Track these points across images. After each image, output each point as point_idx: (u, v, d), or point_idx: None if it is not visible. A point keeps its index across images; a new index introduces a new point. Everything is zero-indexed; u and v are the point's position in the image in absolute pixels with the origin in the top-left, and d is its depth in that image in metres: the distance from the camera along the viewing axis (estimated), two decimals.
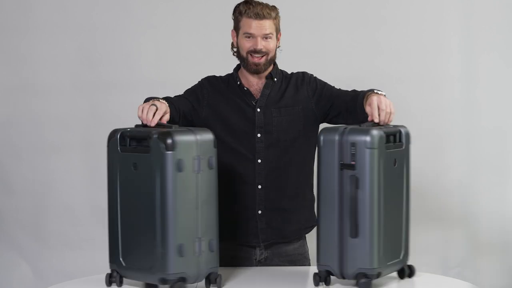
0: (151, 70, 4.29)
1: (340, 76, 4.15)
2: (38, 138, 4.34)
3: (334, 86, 3.06)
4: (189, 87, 3.11)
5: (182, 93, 3.07)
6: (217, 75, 3.11)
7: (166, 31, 4.28)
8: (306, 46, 4.21)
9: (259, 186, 2.95)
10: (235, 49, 3.02)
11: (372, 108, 2.64)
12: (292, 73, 3.10)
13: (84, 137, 4.32)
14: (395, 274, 2.66)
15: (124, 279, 2.63)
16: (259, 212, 2.96)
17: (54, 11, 4.31)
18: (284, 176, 2.96)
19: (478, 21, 4.21)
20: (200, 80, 3.10)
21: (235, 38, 2.99)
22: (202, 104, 3.00)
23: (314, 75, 3.09)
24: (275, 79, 3.02)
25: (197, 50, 4.25)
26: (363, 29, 4.22)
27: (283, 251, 3.02)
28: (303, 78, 3.06)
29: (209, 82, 3.07)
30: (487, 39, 4.21)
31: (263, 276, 2.83)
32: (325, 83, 3.06)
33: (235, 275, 2.81)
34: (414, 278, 2.69)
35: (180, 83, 4.23)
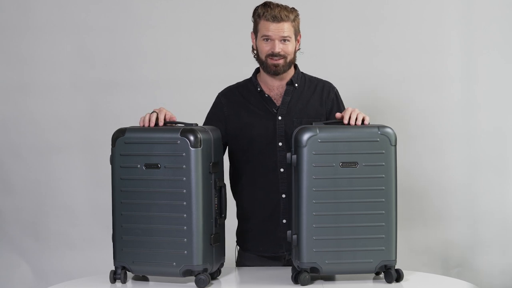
0: (151, 70, 4.29)
1: (339, 76, 4.16)
2: (38, 138, 4.34)
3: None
4: (204, 104, 3.10)
5: (205, 118, 3.04)
6: (233, 83, 3.08)
7: (166, 31, 4.28)
8: (305, 46, 4.19)
9: (283, 195, 2.93)
10: (255, 52, 2.98)
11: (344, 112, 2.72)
12: (318, 79, 3.06)
13: (84, 137, 4.32)
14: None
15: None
16: (284, 221, 2.93)
17: (54, 11, 4.31)
18: None
19: (477, 21, 4.20)
20: (215, 98, 3.06)
21: (254, 41, 2.96)
22: (225, 122, 2.97)
23: (339, 92, 3.07)
24: (296, 85, 2.98)
25: (197, 50, 4.25)
26: (363, 29, 4.22)
27: None
28: (329, 92, 3.02)
29: (225, 97, 3.03)
30: (486, 39, 4.21)
31: (253, 276, 2.83)
32: (343, 108, 3.02)
33: (225, 274, 2.82)
34: (415, 279, 2.69)
35: (180, 83, 4.28)
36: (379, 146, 2.57)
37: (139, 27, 4.30)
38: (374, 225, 2.57)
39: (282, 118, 2.93)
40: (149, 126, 2.69)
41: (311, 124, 2.68)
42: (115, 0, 4.30)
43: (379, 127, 2.59)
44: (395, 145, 2.59)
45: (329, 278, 2.68)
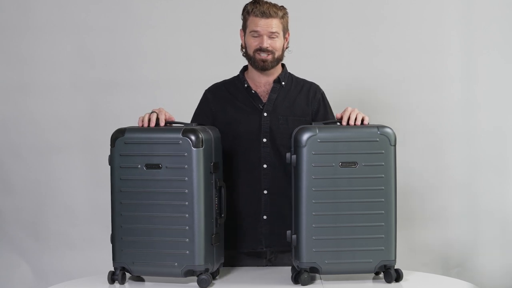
0: (151, 70, 4.29)
1: (339, 76, 4.19)
2: (38, 138, 4.34)
3: (333, 115, 3.04)
4: (190, 93, 3.13)
5: (193, 115, 3.05)
6: (220, 80, 3.09)
7: (166, 31, 4.28)
8: (306, 46, 4.21)
9: (265, 191, 2.94)
10: (244, 50, 3.00)
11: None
12: (304, 80, 3.08)
13: (84, 137, 4.32)
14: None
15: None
16: (264, 217, 2.94)
17: (54, 11, 4.31)
18: (289, 182, 2.94)
19: (477, 21, 4.21)
20: (202, 95, 3.08)
21: (243, 38, 2.98)
22: (211, 118, 2.98)
23: (325, 94, 3.08)
24: (283, 83, 3.00)
25: (197, 50, 4.25)
26: (363, 29, 4.22)
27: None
28: (316, 93, 3.04)
29: (212, 93, 3.05)
30: (486, 39, 4.21)
31: (253, 276, 2.83)
32: (330, 110, 3.05)
33: (225, 274, 2.82)
34: (415, 278, 2.69)
35: (180, 83, 4.27)
36: (378, 146, 2.57)
37: (139, 27, 4.30)
38: (373, 225, 2.57)
39: (267, 115, 2.95)
40: (149, 126, 2.69)
41: (296, 122, 2.74)
42: (115, 0, 4.30)
43: (379, 127, 2.59)
44: (395, 145, 2.59)
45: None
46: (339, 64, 4.23)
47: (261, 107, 2.96)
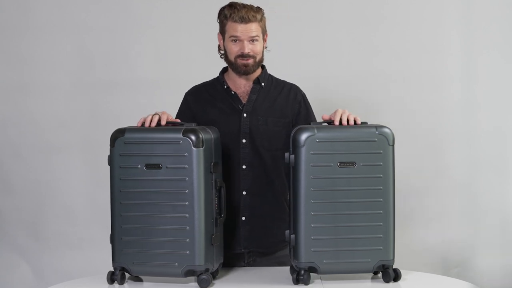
0: (151, 70, 4.29)
1: (339, 76, 4.18)
2: (38, 138, 4.34)
3: (314, 116, 3.04)
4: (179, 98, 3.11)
5: (175, 117, 3.05)
6: (200, 82, 3.10)
7: (165, 31, 4.28)
8: (305, 46, 4.21)
9: (244, 193, 2.94)
10: (222, 52, 3.00)
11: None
12: (285, 82, 3.07)
13: (84, 137, 4.32)
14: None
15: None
16: (243, 218, 2.94)
17: (54, 11, 4.31)
18: (268, 184, 2.95)
19: (477, 21, 4.21)
20: (183, 98, 3.07)
21: (222, 42, 2.98)
22: (192, 120, 2.96)
23: (306, 95, 3.07)
24: (263, 84, 3.00)
25: (197, 50, 4.25)
26: (363, 29, 4.22)
27: (271, 254, 3.00)
28: (296, 95, 3.03)
29: (192, 95, 3.05)
30: (486, 39, 4.21)
31: (253, 276, 2.83)
32: (311, 111, 3.05)
33: (225, 274, 2.82)
34: (413, 278, 2.69)
35: (180, 83, 4.24)
36: (376, 146, 2.57)
37: (139, 27, 4.30)
38: (372, 225, 2.57)
39: (247, 115, 2.94)
40: (149, 126, 2.69)
41: (276, 123, 2.76)
42: (115, 0, 4.30)
43: (377, 127, 2.59)
44: (393, 145, 2.59)
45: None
46: (339, 64, 4.22)
47: (240, 108, 2.95)
